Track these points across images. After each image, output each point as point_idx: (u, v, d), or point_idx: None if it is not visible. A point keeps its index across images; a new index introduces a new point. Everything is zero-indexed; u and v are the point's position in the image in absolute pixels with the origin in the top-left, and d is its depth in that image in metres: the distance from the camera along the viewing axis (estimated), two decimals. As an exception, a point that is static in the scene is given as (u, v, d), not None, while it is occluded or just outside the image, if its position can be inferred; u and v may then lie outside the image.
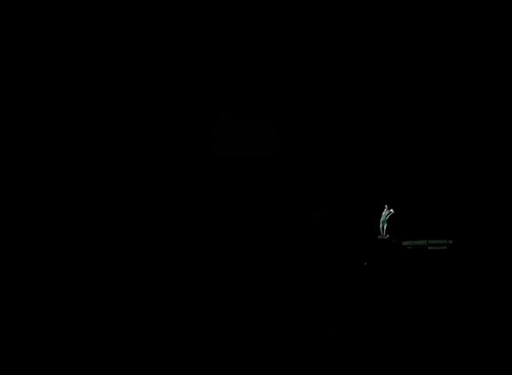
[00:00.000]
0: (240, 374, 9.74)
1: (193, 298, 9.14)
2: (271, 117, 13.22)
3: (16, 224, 8.76)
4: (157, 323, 8.32)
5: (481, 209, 9.39)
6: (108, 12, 9.01)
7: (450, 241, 16.92)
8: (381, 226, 19.95)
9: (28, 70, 8.65)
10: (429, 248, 18.63)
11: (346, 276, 10.67)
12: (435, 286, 10.85)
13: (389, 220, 18.75)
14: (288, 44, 9.15)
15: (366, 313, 9.50)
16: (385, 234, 20.20)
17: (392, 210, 18.75)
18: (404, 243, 19.14)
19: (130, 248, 9.04)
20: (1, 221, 8.83)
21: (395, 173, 9.47)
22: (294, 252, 11.86)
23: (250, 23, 9.09)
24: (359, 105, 9.37)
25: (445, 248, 17.89)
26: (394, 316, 9.38)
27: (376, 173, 9.53)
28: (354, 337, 10.19)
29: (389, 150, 9.41)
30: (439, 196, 9.59)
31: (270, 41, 8.95)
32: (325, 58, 9.27)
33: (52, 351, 7.40)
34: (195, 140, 9.46)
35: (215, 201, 8.95)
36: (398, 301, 9.82)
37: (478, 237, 9.26)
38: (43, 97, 8.65)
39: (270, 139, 15.39)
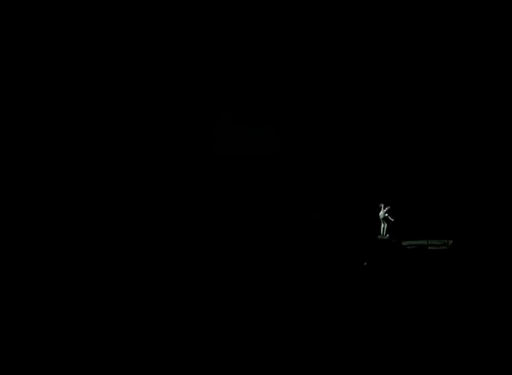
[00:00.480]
0: (239, 374, 9.72)
1: (193, 298, 9.11)
2: (271, 117, 13.16)
3: (16, 223, 8.74)
4: (156, 322, 8.31)
5: (480, 209, 9.35)
6: (108, 11, 8.99)
7: (450, 241, 16.90)
8: (382, 226, 19.96)
9: (28, 70, 8.63)
10: (429, 248, 18.60)
11: (346, 276, 10.66)
12: (435, 286, 10.82)
13: (388, 220, 18.76)
14: (287, 44, 9.12)
15: (366, 313, 9.46)
16: (385, 234, 20.19)
17: (387, 209, 18.75)
18: (404, 243, 19.11)
19: (130, 247, 9.02)
20: (1, 221, 8.81)
21: (395, 173, 9.43)
22: (294, 252, 11.86)
23: (250, 23, 9.07)
24: (359, 105, 9.34)
25: (445, 247, 17.86)
26: (394, 315, 9.35)
27: (376, 172, 9.50)
28: (354, 337, 10.18)
29: (389, 150, 9.38)
30: (439, 196, 9.55)
31: (270, 41, 8.92)
32: (324, 58, 9.25)
33: (52, 351, 7.40)
34: (195, 140, 9.42)
35: (214, 200, 8.91)
36: (398, 301, 9.78)
37: (478, 237, 9.24)
38: (42, 97, 8.62)
39: (270, 139, 15.36)
